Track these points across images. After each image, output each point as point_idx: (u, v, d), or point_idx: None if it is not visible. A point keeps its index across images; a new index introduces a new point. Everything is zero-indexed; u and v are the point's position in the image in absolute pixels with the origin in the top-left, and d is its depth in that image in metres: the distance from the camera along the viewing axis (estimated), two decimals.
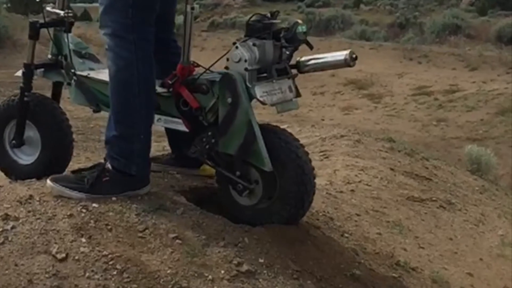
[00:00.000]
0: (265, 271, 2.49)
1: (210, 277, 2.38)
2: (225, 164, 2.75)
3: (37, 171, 3.04)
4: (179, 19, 3.12)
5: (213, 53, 14.64)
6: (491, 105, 12.92)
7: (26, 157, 3.14)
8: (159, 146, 4.48)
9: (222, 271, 2.42)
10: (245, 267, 2.46)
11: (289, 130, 5.05)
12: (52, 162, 3.07)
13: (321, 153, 4.50)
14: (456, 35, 20.21)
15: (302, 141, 4.75)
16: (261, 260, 2.53)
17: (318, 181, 3.66)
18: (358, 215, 3.39)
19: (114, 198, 2.67)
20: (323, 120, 11.61)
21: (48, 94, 3.25)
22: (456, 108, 13.21)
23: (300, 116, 11.08)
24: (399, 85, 15.18)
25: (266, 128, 2.71)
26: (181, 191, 2.97)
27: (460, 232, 3.78)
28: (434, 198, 4.06)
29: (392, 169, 4.28)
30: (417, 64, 16.88)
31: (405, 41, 19.89)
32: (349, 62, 2.72)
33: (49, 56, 3.20)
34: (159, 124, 2.86)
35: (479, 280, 3.34)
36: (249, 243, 2.59)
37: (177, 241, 2.50)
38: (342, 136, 4.91)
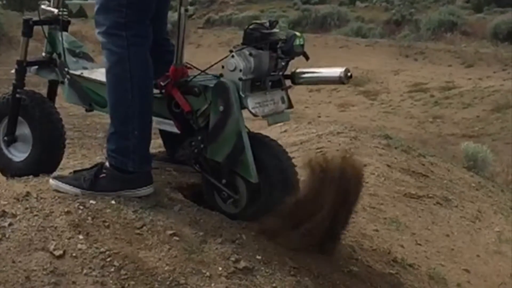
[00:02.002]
0: (262, 268, 2.49)
1: (207, 273, 2.39)
2: (212, 171, 2.76)
3: (30, 167, 3.04)
4: (174, 16, 3.12)
5: (209, 49, 14.66)
6: (487, 102, 12.93)
7: (19, 154, 3.15)
8: (155, 143, 4.48)
9: (220, 268, 2.43)
10: (242, 264, 2.46)
11: (285, 127, 5.08)
12: (43, 156, 3.07)
13: (318, 150, 4.50)
14: (452, 32, 20.21)
15: (298, 138, 4.78)
16: (258, 257, 2.53)
17: None
18: (355, 211, 3.39)
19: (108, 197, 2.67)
20: (319, 117, 11.60)
21: (43, 91, 3.25)
22: (452, 105, 13.21)
23: (297, 113, 11.06)
24: (395, 82, 15.18)
25: (252, 137, 2.72)
26: (178, 187, 2.98)
27: (457, 229, 3.79)
28: (430, 195, 4.06)
29: (388, 166, 4.28)
30: (413, 61, 16.88)
31: (401, 38, 19.90)
32: (343, 80, 2.73)
33: (43, 54, 3.20)
34: (152, 125, 2.85)
35: (476, 277, 3.35)
36: (246, 240, 2.60)
37: (175, 237, 2.50)
38: (338, 133, 4.91)
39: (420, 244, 3.41)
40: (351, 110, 13.02)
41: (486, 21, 21.72)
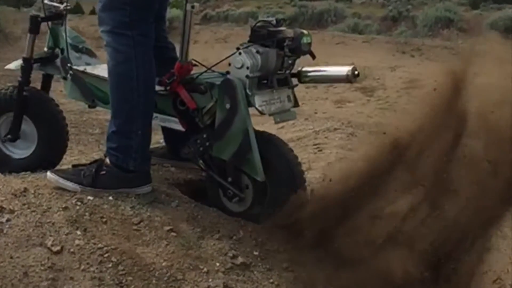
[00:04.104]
0: (260, 264, 2.50)
1: (205, 269, 2.40)
2: (217, 169, 2.76)
3: (32, 165, 3.03)
4: (171, 12, 3.11)
5: (206, 46, 14.63)
6: None
7: (19, 151, 3.13)
8: (153, 139, 4.48)
9: (217, 264, 2.44)
10: (240, 260, 2.47)
11: (282, 123, 5.08)
12: (49, 155, 3.07)
13: (315, 146, 4.51)
14: (448, 29, 20.19)
15: (295, 134, 4.79)
16: (256, 253, 2.54)
17: (311, 174, 3.69)
18: None
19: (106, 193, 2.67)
20: (316, 113, 11.56)
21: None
22: None
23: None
24: (392, 78, 15.16)
25: (259, 135, 2.72)
26: (176, 184, 2.98)
27: None
28: None
29: None
30: (409, 58, 16.85)
31: (398, 34, 19.87)
32: (350, 79, 2.72)
33: (45, 49, 3.19)
34: (155, 122, 2.85)
35: None
36: (244, 236, 2.60)
37: (172, 233, 2.51)
38: (335, 129, 4.92)
39: None
40: (347, 107, 12.98)
41: (483, 18, 21.70)
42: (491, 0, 26.71)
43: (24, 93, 3.05)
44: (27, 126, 3.09)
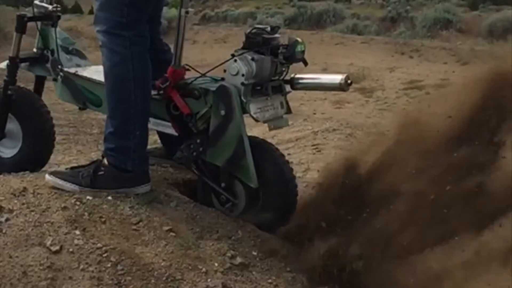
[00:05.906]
0: (258, 264, 2.51)
1: (203, 269, 2.40)
2: (211, 174, 2.76)
3: (20, 163, 3.02)
4: (169, 12, 3.11)
5: (205, 46, 14.63)
6: None
7: (6, 150, 3.12)
8: (151, 139, 4.48)
9: (216, 264, 2.44)
10: (238, 260, 2.48)
11: None
12: (36, 153, 3.05)
13: (313, 147, 4.51)
14: (447, 30, 20.20)
15: (294, 135, 4.79)
16: (254, 253, 2.55)
17: (310, 174, 3.70)
18: None
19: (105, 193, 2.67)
20: (314, 113, 11.55)
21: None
22: None
23: (292, 109, 10.98)
24: (391, 79, 15.15)
25: (253, 142, 2.72)
26: (175, 184, 2.99)
27: None
28: None
29: None
30: (408, 58, 16.84)
31: (397, 35, 19.86)
32: (343, 87, 2.73)
33: (34, 49, 3.18)
34: (148, 126, 2.84)
35: None
36: (242, 236, 2.61)
37: (171, 233, 2.51)
38: (334, 130, 4.92)
39: None
40: (346, 107, 12.98)
41: (482, 19, 21.69)
42: (490, 1, 26.73)
43: (9, 92, 3.04)
44: (13, 125, 3.08)
